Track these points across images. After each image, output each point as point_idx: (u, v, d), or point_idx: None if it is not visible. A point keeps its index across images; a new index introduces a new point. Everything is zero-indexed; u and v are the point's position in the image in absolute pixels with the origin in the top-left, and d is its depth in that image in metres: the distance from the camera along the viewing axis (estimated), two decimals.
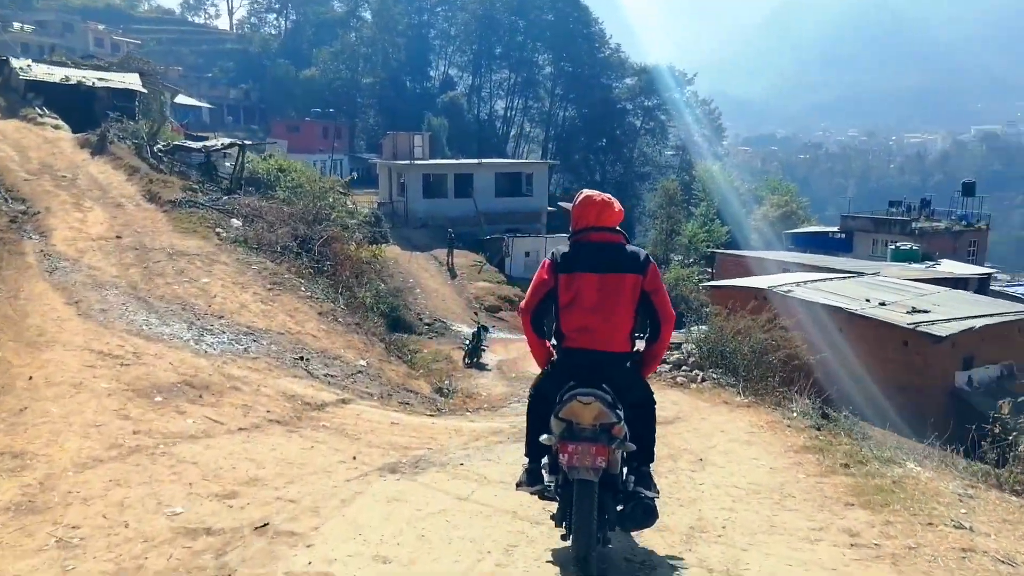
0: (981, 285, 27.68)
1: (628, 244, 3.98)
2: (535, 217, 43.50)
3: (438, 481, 5.74)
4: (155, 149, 17.87)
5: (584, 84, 76.19)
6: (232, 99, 72.70)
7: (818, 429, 8.92)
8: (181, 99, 53.48)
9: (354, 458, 6.14)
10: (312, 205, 18.75)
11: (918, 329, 18.06)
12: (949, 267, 28.50)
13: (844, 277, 22.96)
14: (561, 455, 3.60)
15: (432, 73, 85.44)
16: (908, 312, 19.10)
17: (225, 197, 15.46)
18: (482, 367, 19.17)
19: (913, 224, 42.14)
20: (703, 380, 14.69)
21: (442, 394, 12.01)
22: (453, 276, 34.33)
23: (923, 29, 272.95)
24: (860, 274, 23.70)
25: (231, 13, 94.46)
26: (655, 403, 4.04)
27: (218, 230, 12.81)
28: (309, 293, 11.54)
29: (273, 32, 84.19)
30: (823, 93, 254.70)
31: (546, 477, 3.98)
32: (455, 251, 36.81)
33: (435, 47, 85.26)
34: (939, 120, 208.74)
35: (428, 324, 27.80)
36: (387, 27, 72.94)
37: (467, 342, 19.92)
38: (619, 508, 3.80)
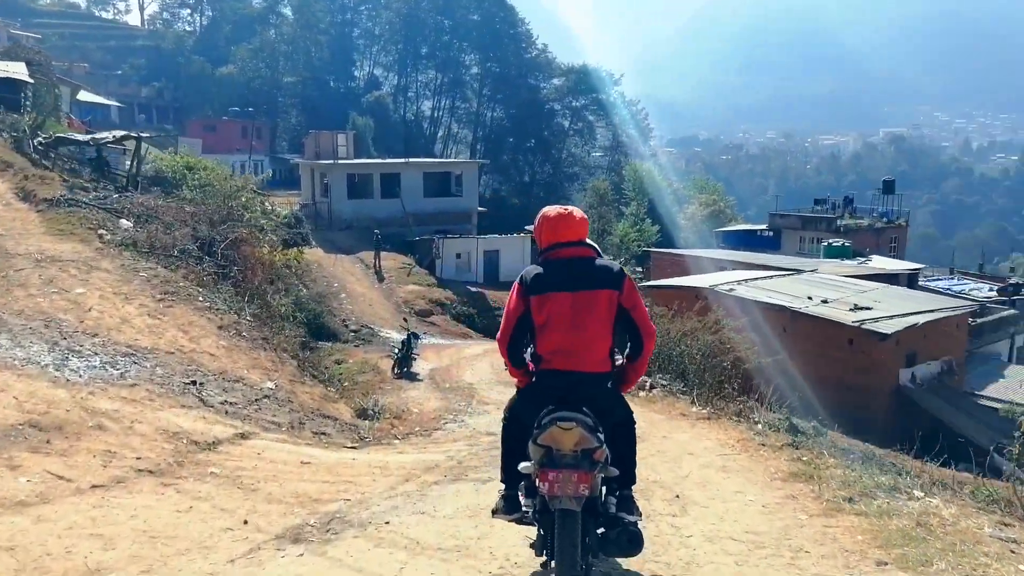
0: (910, 281, 27.70)
1: (599, 257, 3.78)
2: (465, 218, 42.11)
3: (356, 552, 4.32)
4: (35, 143, 15.73)
5: (511, 84, 75.20)
6: (144, 97, 68.81)
7: (795, 447, 7.91)
8: (86, 96, 50.06)
9: (245, 522, 4.66)
10: (223, 205, 16.95)
11: (863, 327, 17.49)
12: (880, 263, 28.49)
13: (783, 275, 22.39)
14: (541, 483, 3.39)
15: (357, 73, 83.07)
16: (851, 310, 18.55)
17: (116, 195, 13.56)
18: (413, 377, 17.69)
19: (838, 221, 42.57)
20: (652, 387, 13.66)
21: (366, 417, 10.53)
22: (381, 279, 32.64)
23: (833, 37, 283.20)
24: (799, 271, 23.20)
25: (142, 8, 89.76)
26: (635, 422, 3.87)
27: (101, 232, 10.99)
28: (208, 303, 9.89)
29: (188, 28, 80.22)
30: (742, 97, 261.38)
31: (523, 502, 3.74)
32: (382, 253, 35.13)
33: (359, 46, 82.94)
34: (850, 123, 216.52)
35: (354, 331, 26.11)
36: (308, 25, 70.31)
37: (396, 350, 18.39)
38: (600, 531, 3.60)
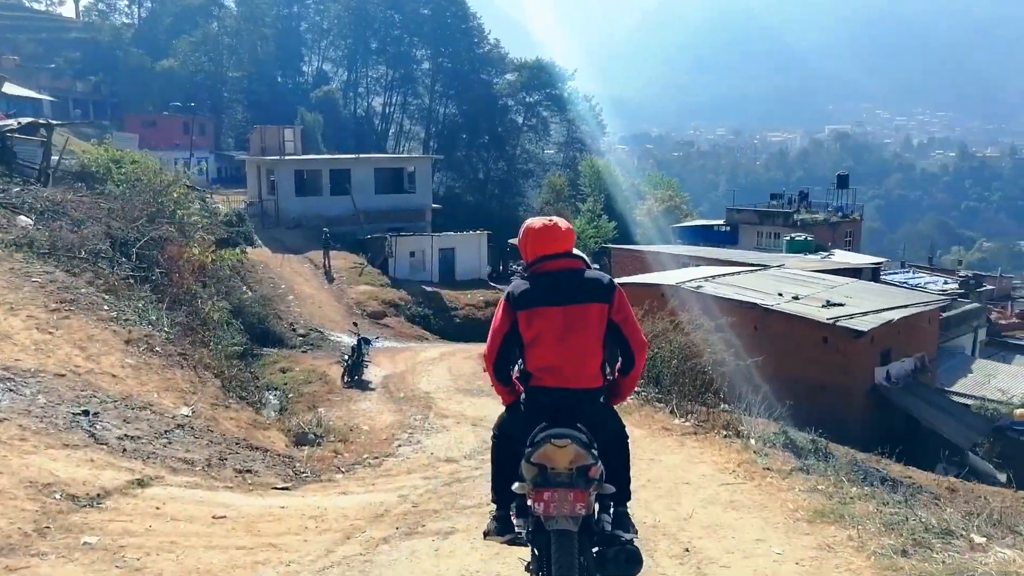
0: (874, 275, 27.21)
1: (588, 268, 3.65)
2: (419, 215, 40.61)
3: None
4: None
5: (464, 80, 73.77)
6: (79, 92, 65.37)
7: (807, 472, 6.82)
8: (13, 89, 47.14)
9: None
10: (152, 201, 15.30)
11: (839, 324, 16.65)
12: (842, 258, 27.95)
13: (750, 270, 21.52)
14: (536, 504, 3.25)
15: (305, 69, 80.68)
16: (824, 306, 17.72)
17: (18, 189, 11.87)
18: (365, 385, 16.28)
19: (795, 216, 42.25)
20: None
21: (305, 443, 9.11)
22: (330, 280, 30.99)
23: (778, 36, 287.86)
24: (765, 267, 22.38)
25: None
26: (628, 437, 3.73)
27: None
28: (115, 313, 8.38)
29: (126, 20, 76.81)
30: (692, 94, 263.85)
31: (516, 522, 3.64)
32: (332, 252, 33.48)
33: (307, 41, 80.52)
34: (796, 120, 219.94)
35: (302, 335, 24.51)
36: (252, 18, 67.81)
37: (346, 357, 16.94)
38: (596, 550, 3.42)
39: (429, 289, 32.45)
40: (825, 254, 28.95)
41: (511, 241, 40.79)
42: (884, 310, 17.39)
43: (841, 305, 17.81)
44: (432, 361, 20.52)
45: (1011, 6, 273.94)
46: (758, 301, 18.03)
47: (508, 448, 3.61)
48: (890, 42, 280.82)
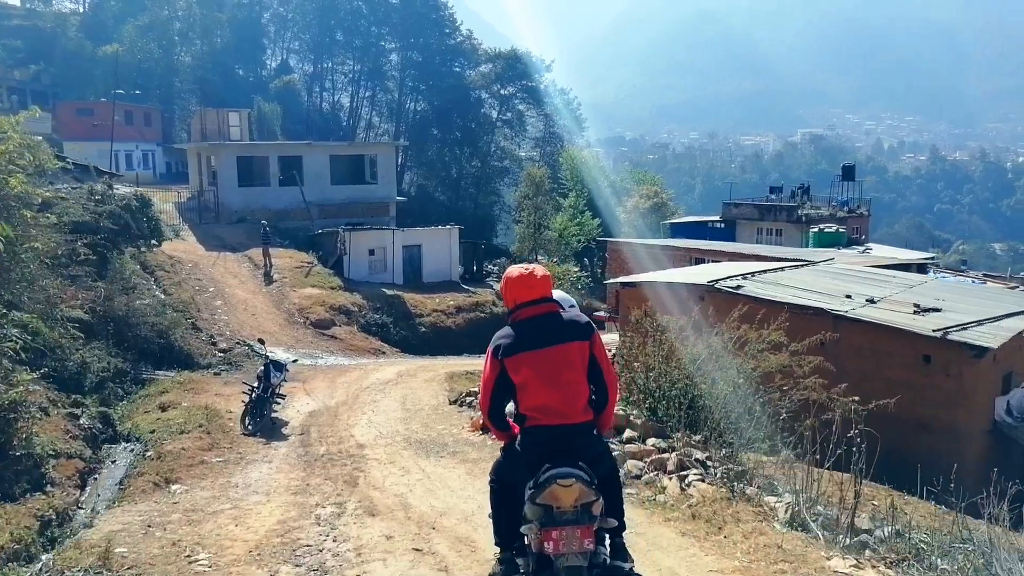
0: (920, 272, 22.38)
1: (564, 310, 3.78)
2: (381, 209, 35.28)
3: None
4: None
5: (435, 73, 68.45)
6: (17, 80, 59.10)
7: None
8: None
9: None
10: None
11: (948, 337, 11.65)
12: (882, 252, 23.19)
13: (794, 265, 16.50)
14: (546, 543, 3.34)
15: (268, 62, 74.82)
16: (917, 312, 12.72)
17: None
18: (274, 432, 11.01)
19: (799, 211, 37.62)
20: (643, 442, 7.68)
21: None
22: (270, 282, 25.55)
23: (749, 41, 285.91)
24: (808, 262, 17.38)
25: None
26: (619, 469, 4.06)
27: None
28: None
29: (71, 6, 70.48)
30: (664, 98, 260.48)
31: (520, 563, 3.66)
32: (278, 250, 28.13)
33: (269, 32, 74.62)
34: (768, 124, 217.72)
35: (224, 351, 19.08)
36: (207, 2, 61.88)
37: (249, 391, 11.57)
38: None
39: (390, 293, 27.14)
40: (862, 248, 24.19)
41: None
42: (1002, 317, 12.44)
43: (936, 310, 12.82)
44: (383, 386, 15.30)
45: (970, 12, 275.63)
46: (824, 305, 12.95)
47: (508, 491, 3.66)
48: (857, 47, 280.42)
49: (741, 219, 39.35)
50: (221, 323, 21.22)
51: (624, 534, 3.74)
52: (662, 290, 14.45)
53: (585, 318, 3.74)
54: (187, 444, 9.41)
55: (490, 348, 3.71)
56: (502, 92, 66.41)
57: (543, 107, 66.39)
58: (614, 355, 15.95)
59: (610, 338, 21.92)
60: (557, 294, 4.01)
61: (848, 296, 13.63)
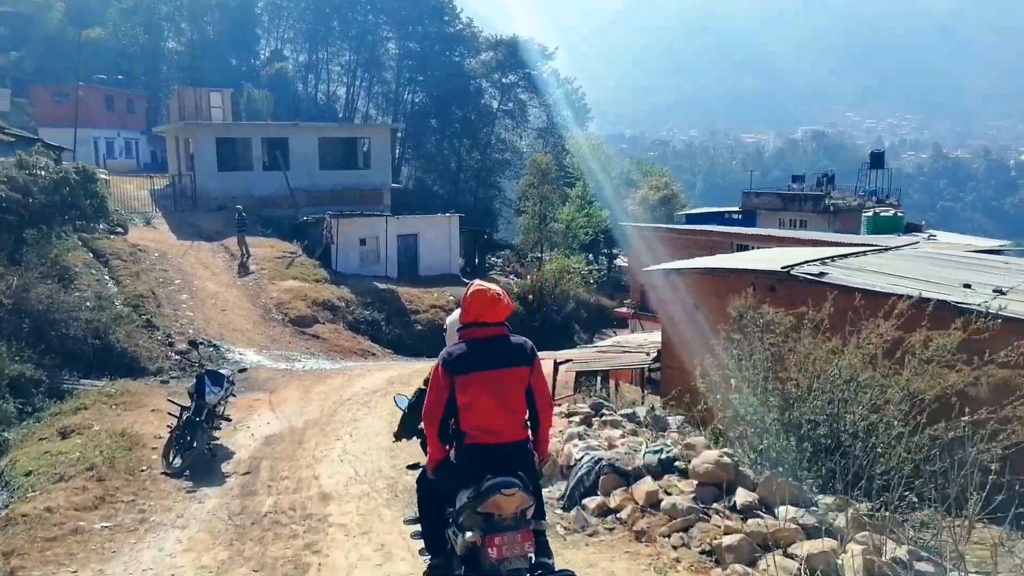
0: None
1: (511, 334, 3.84)
2: (375, 196, 32.10)
3: None
4: None
5: (434, 62, 65.23)
6: None
7: None
8: None
9: None
10: None
11: None
12: (948, 239, 20.11)
13: (876, 249, 13.36)
14: (489, 549, 3.42)
15: (262, 53, 71.55)
16: None
17: None
18: (208, 469, 7.85)
19: (827, 200, 34.52)
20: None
21: None
22: (245, 273, 22.39)
23: (748, 39, 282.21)
24: (888, 247, 14.20)
25: None
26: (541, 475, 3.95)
27: None
28: None
29: None
30: (664, 96, 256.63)
31: (454, 564, 3.74)
32: (260, 239, 25.08)
33: (263, 22, 71.34)
34: (768, 122, 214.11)
35: (180, 353, 15.90)
36: None
37: (179, 412, 8.37)
38: None
39: (382, 287, 23.96)
40: (925, 235, 21.10)
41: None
42: None
43: None
44: (369, 398, 12.16)
45: (969, 7, 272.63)
46: (944, 296, 9.74)
47: (437, 501, 3.79)
48: (856, 46, 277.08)
49: (762, 209, 36.26)
50: (184, 320, 18.05)
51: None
52: (721, 278, 11.32)
53: (530, 344, 3.83)
54: (59, 500, 6.23)
55: (440, 362, 3.70)
56: (503, 81, 63.23)
57: (546, 96, 63.23)
58: (655, 361, 12.80)
59: (640, 337, 18.80)
60: None
61: (967, 286, 10.46)
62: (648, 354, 12.90)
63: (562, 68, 72.19)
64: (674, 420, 8.20)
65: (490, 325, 3.71)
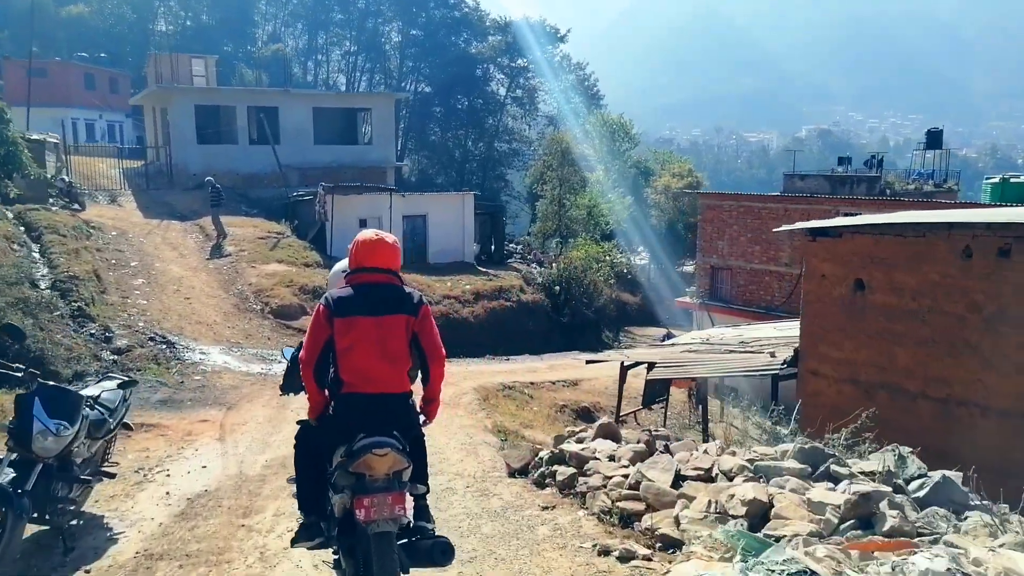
0: None
1: (405, 285, 3.69)
2: (377, 175, 27.94)
3: None
4: None
5: (438, 48, 61.15)
6: None
7: None
8: None
9: None
10: None
11: None
12: None
13: None
14: (357, 510, 3.24)
15: (259, 39, 67.45)
16: None
17: None
18: (68, 542, 3.65)
19: (882, 182, 30.48)
20: None
21: None
22: (220, 255, 18.25)
23: (750, 39, 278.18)
24: None
25: None
26: (424, 434, 3.75)
27: None
28: None
29: None
30: (666, 95, 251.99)
31: (323, 526, 3.60)
32: (243, 219, 21.03)
33: (261, 10, 67.27)
34: (770, 122, 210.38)
35: (119, 351, 11.82)
36: None
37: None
38: (402, 542, 3.41)
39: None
40: None
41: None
42: None
43: None
44: None
45: (973, 8, 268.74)
46: None
47: (313, 457, 3.58)
48: (858, 45, 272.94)
49: (809, 194, 32.13)
50: (134, 310, 13.91)
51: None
52: (909, 239, 7.16)
53: (418, 294, 3.65)
54: None
55: (322, 304, 3.54)
56: (511, 66, 59.16)
57: (557, 82, 59.18)
58: (789, 365, 8.68)
59: (703, 333, 14.79)
60: None
61: None
62: (772, 355, 8.75)
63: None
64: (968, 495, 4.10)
65: (377, 271, 3.57)
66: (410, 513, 3.43)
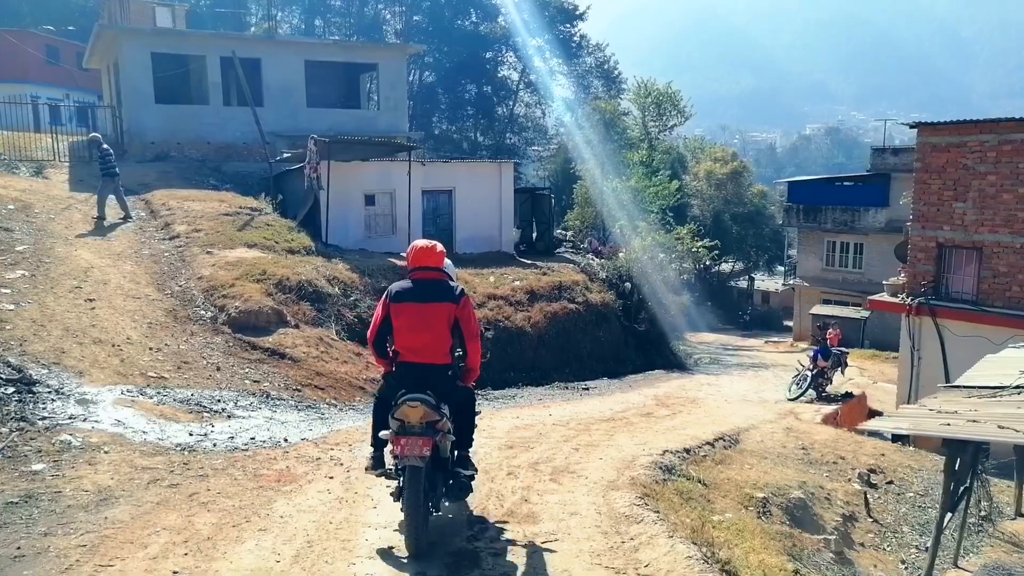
0: None
1: (451, 281, 4.52)
2: (385, 146, 21.80)
3: None
4: None
5: (443, 32, 55.17)
6: None
7: None
8: None
9: None
10: None
11: None
12: None
13: None
14: (395, 447, 4.07)
15: (252, 29, 61.37)
16: None
17: None
18: None
19: None
20: None
21: None
22: (104, 228, 12.15)
23: (750, 39, 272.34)
24: None
25: None
26: (475, 401, 4.69)
27: None
28: None
29: None
30: None
31: (388, 461, 4.43)
32: (194, 190, 14.93)
33: None
34: (773, 121, 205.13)
35: None
36: None
37: None
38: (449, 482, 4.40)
39: (402, 264, 13.63)
40: None
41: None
42: None
43: None
44: None
45: (973, 7, 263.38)
46: None
47: (383, 407, 4.35)
48: (859, 45, 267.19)
49: (900, 172, 26.35)
50: None
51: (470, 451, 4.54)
52: None
53: (460, 287, 4.45)
54: None
55: (385, 293, 4.42)
56: (525, 47, 53.11)
57: (574, 65, 53.21)
58: None
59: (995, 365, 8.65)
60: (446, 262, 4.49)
61: None
62: None
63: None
64: None
65: (428, 269, 4.36)
66: (453, 460, 4.37)
